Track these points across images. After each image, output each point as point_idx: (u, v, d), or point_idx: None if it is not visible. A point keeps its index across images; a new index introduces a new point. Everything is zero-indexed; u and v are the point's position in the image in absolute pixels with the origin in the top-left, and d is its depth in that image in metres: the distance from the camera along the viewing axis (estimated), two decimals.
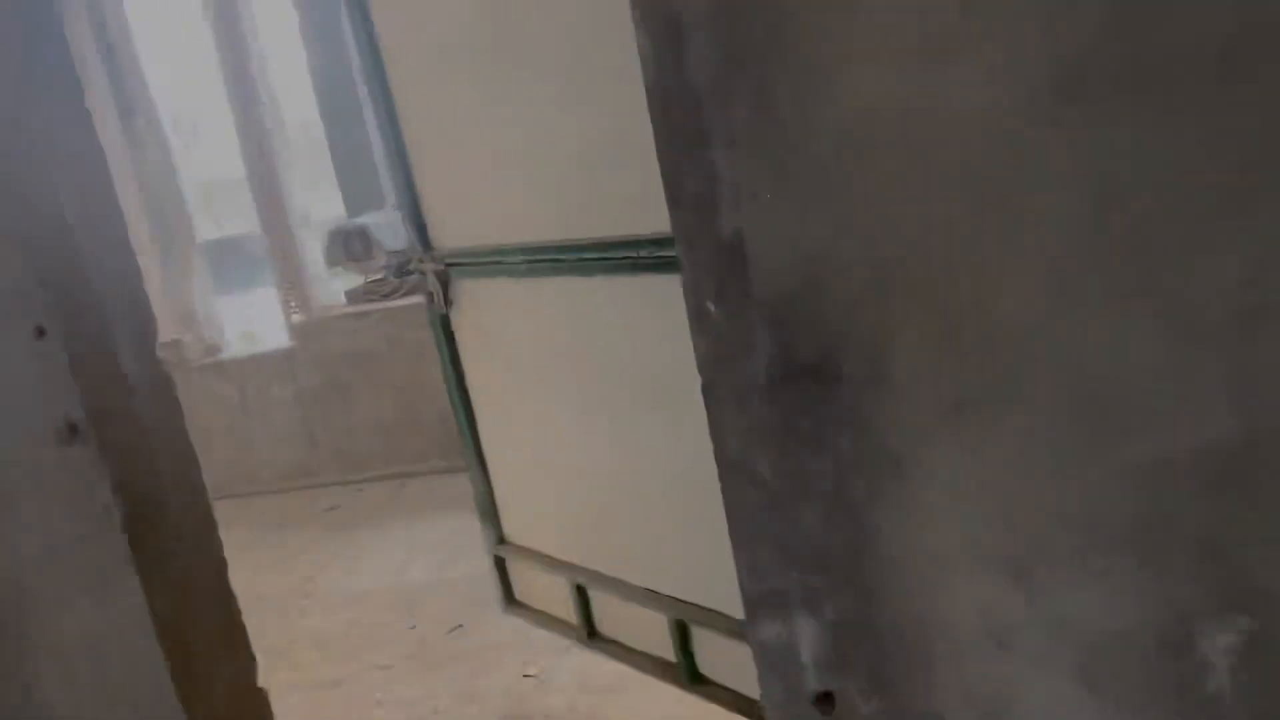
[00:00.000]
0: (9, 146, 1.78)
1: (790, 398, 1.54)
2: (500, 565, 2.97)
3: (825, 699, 1.63)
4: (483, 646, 3.28)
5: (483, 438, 2.86)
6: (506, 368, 2.65)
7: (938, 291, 1.39)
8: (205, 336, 6.32)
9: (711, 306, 1.56)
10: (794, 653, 1.61)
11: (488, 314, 2.64)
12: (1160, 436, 1.31)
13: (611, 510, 2.44)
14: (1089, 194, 1.24)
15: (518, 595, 2.97)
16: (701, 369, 1.61)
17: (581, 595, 2.61)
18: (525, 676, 3.00)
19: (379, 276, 5.96)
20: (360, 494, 5.54)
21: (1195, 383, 1.25)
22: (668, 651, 2.32)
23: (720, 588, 1.75)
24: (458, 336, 2.79)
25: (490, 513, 2.92)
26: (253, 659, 2.18)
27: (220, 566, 2.15)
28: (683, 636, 2.28)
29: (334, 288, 6.20)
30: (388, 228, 5.72)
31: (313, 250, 6.06)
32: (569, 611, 2.69)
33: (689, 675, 2.30)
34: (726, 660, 2.18)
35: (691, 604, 2.24)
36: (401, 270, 5.41)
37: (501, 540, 2.93)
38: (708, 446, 1.79)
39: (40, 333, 1.79)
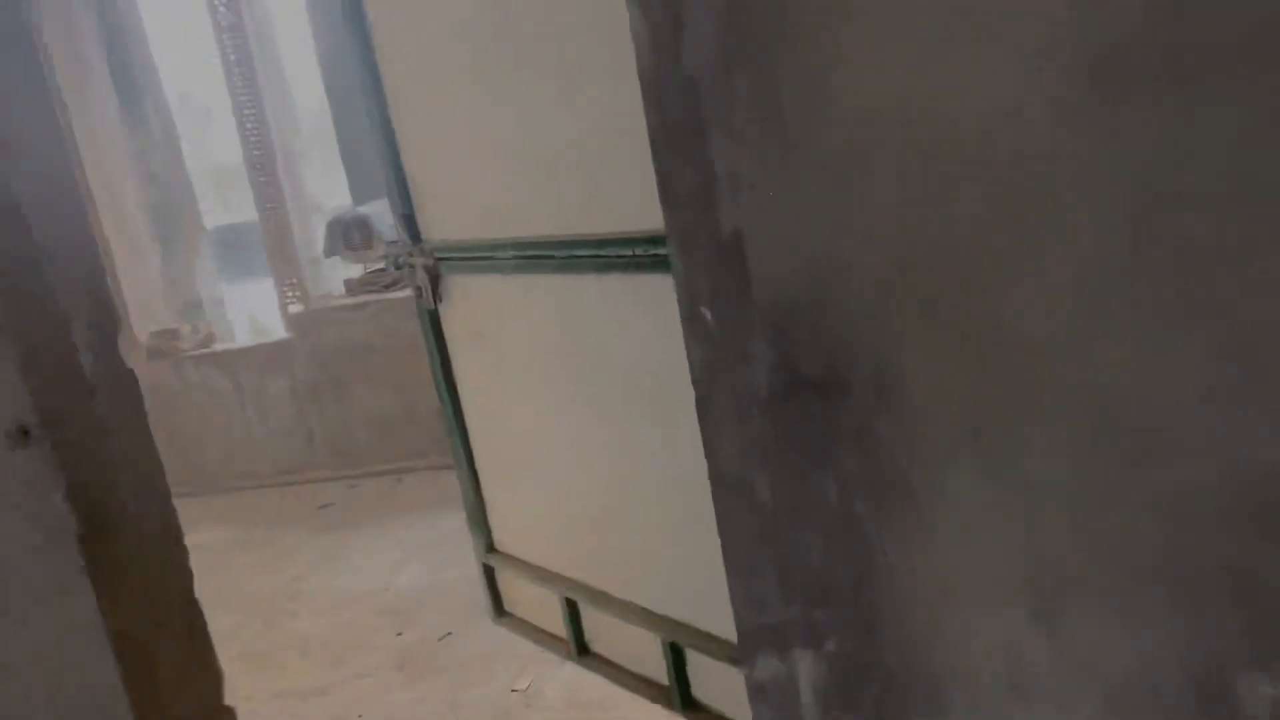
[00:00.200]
0: None
1: (792, 412, 1.43)
2: (489, 574, 2.86)
3: None
4: (471, 656, 3.17)
5: (472, 439, 2.75)
6: (497, 367, 2.54)
7: (956, 302, 1.27)
8: (209, 324, 6.23)
9: (707, 312, 1.44)
10: (793, 692, 1.50)
11: (478, 311, 2.53)
12: (1200, 467, 1.19)
13: (604, 520, 2.33)
14: (1126, 198, 1.12)
15: (507, 606, 2.87)
16: (696, 379, 1.49)
17: (572, 609, 2.50)
18: (513, 691, 2.89)
19: (378, 267, 5.85)
20: (355, 490, 5.44)
21: (1242, 409, 1.12)
22: (661, 673, 2.21)
23: (718, 609, 1.63)
24: (447, 333, 2.68)
25: (480, 519, 2.81)
26: (219, 674, 2.07)
27: (185, 577, 2.04)
28: (677, 659, 2.17)
29: (334, 277, 6.11)
30: (389, 217, 5.62)
31: (315, 239, 5.97)
32: (559, 625, 2.58)
33: (682, 700, 2.18)
34: (723, 686, 2.07)
35: (687, 625, 2.12)
36: (401, 261, 5.30)
37: (491, 548, 2.82)
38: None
39: None
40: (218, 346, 6.04)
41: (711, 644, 2.05)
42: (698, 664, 2.15)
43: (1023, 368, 1.27)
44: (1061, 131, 1.14)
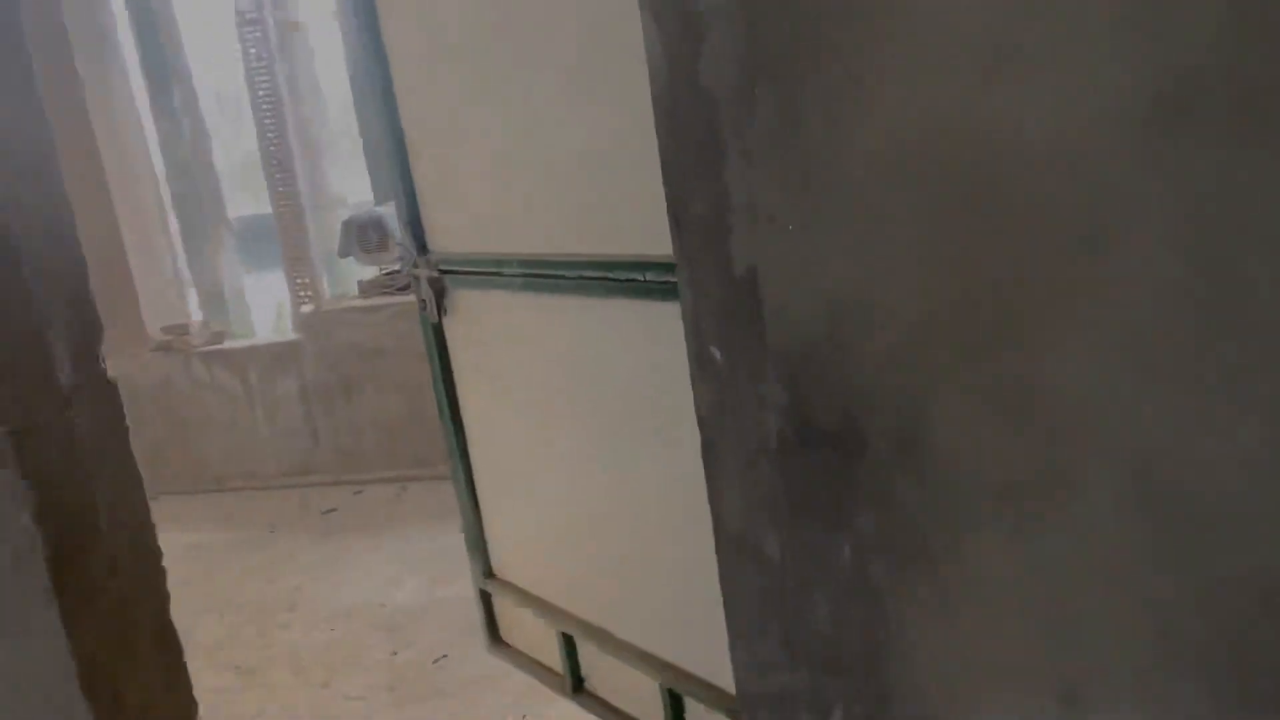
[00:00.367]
0: None
1: (804, 465, 1.32)
2: (486, 600, 2.76)
3: None
4: (465, 683, 3.08)
5: (473, 460, 2.65)
6: (500, 387, 2.44)
7: (989, 353, 1.16)
8: (219, 323, 6.18)
9: (716, 351, 1.33)
10: None
11: (483, 327, 2.43)
12: (1255, 548, 1.07)
13: (604, 554, 2.22)
14: (1186, 246, 1.01)
15: (503, 634, 2.76)
16: (702, 423, 1.38)
17: (569, 644, 2.40)
18: None
19: (393, 269, 5.77)
20: (359, 496, 5.36)
21: None
22: (658, 718, 2.10)
23: (720, 658, 1.53)
24: (451, 348, 2.58)
25: (478, 543, 2.71)
26: (193, 704, 1.98)
27: (161, 601, 1.95)
28: (675, 705, 2.06)
29: (353, 277, 6.03)
30: None
31: (334, 237, 5.90)
32: (555, 659, 2.47)
33: None
34: None
35: (687, 672, 2.01)
36: (406, 269, 5.22)
37: (489, 574, 2.71)
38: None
39: None
40: (227, 344, 5.98)
41: (711, 693, 1.94)
42: (696, 713, 2.04)
43: (1061, 429, 1.16)
44: (1116, 171, 1.02)
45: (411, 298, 4.82)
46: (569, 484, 2.27)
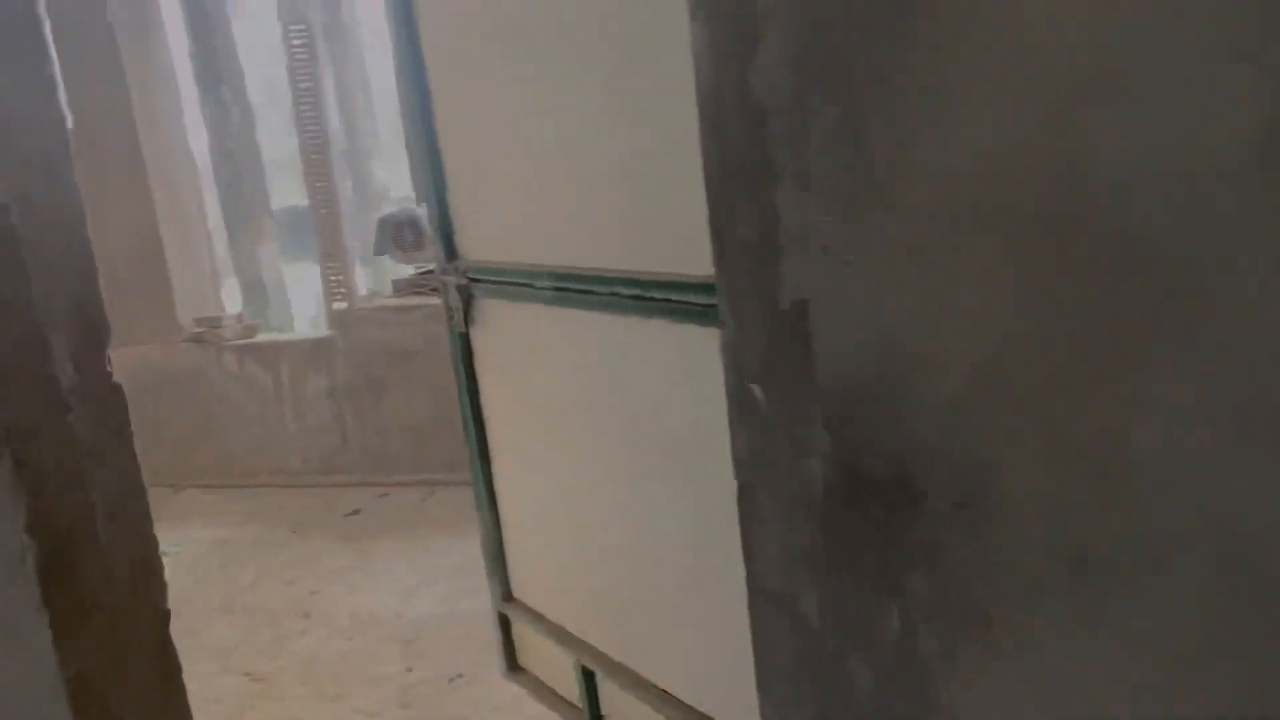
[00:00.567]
0: None
1: (850, 519, 1.20)
2: (505, 624, 2.65)
3: None
4: (480, 706, 2.97)
5: (496, 477, 2.55)
6: (526, 403, 2.33)
7: (1068, 405, 1.04)
8: (249, 317, 6.15)
9: (758, 389, 1.21)
10: None
11: (510, 340, 2.32)
12: None
13: (628, 587, 2.11)
14: None
15: (521, 660, 2.66)
16: (738, 466, 1.26)
17: (588, 678, 2.28)
18: None
19: (428, 269, 5.69)
20: (385, 500, 5.29)
21: None
22: None
23: (750, 709, 1.39)
24: (477, 360, 2.48)
25: (498, 564, 2.61)
26: None
27: (160, 618, 1.86)
28: None
29: (391, 275, 5.98)
30: None
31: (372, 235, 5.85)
32: (574, 692, 2.36)
33: None
34: None
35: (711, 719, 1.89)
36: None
37: (508, 597, 2.61)
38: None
39: None
40: (259, 338, 5.94)
41: None
42: None
43: (1145, 495, 1.03)
44: (1224, 209, 0.90)
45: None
46: (593, 511, 2.16)
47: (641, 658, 2.10)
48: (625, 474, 2.00)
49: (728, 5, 1.15)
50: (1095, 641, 1.10)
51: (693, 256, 1.65)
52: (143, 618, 1.84)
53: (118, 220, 5.77)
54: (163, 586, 1.92)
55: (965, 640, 1.17)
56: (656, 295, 1.76)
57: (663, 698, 2.02)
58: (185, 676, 3.36)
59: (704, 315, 1.63)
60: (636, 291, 1.81)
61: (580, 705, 2.34)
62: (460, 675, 3.20)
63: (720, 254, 1.21)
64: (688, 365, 1.73)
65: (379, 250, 5.89)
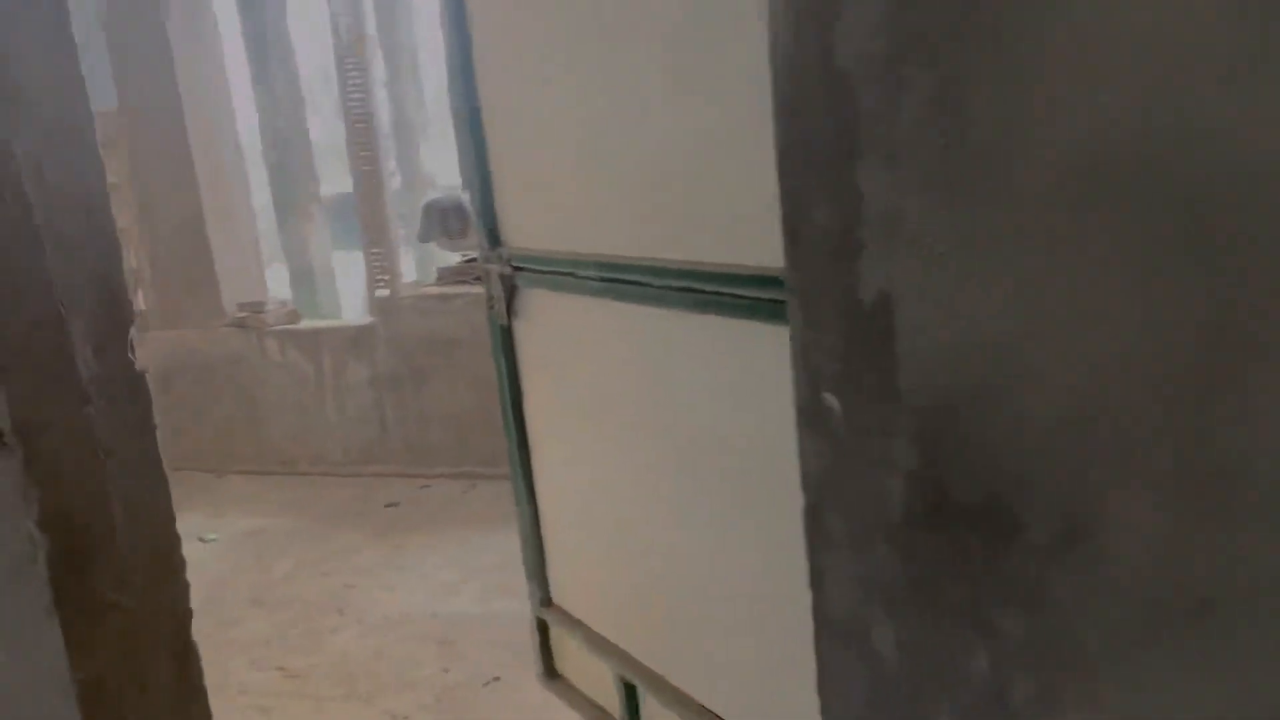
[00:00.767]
0: None
1: (935, 546, 1.06)
2: (543, 629, 2.54)
3: None
4: (516, 713, 2.86)
5: (536, 476, 2.43)
6: (570, 400, 2.21)
7: (1198, 427, 0.89)
8: (291, 305, 6.10)
9: (832, 398, 1.08)
10: None
11: (555, 333, 2.20)
12: None
13: (674, 599, 1.98)
14: None
15: (559, 667, 2.54)
16: (807, 482, 1.13)
17: (629, 692, 2.16)
18: None
19: (474, 257, 5.60)
20: (425, 492, 5.21)
21: None
22: None
23: None
24: (520, 354, 2.36)
25: (537, 568, 2.49)
26: None
27: (181, 618, 1.77)
28: None
29: (439, 262, 5.89)
30: None
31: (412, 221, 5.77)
32: (613, 703, 2.24)
33: None
34: None
35: None
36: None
37: (547, 601, 2.49)
38: (800, 547, 1.32)
39: None
40: (302, 324, 5.88)
41: None
42: None
43: None
44: None
45: None
46: (639, 517, 2.04)
47: (688, 675, 1.97)
48: (673, 480, 1.87)
49: None
50: (1218, 696, 0.96)
51: (751, 246, 1.52)
52: (162, 619, 1.75)
53: (163, 203, 5.75)
54: (184, 586, 1.83)
55: (1065, 688, 1.03)
56: (711, 288, 1.63)
57: (708, 718, 1.89)
58: (217, 670, 3.29)
59: (761, 310, 1.50)
60: (690, 283, 1.68)
61: (620, 719, 2.22)
62: (496, 679, 3.10)
63: (792, 243, 1.07)
64: (744, 365, 1.60)
65: (424, 237, 5.81)
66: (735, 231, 1.54)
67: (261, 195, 9.05)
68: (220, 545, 4.60)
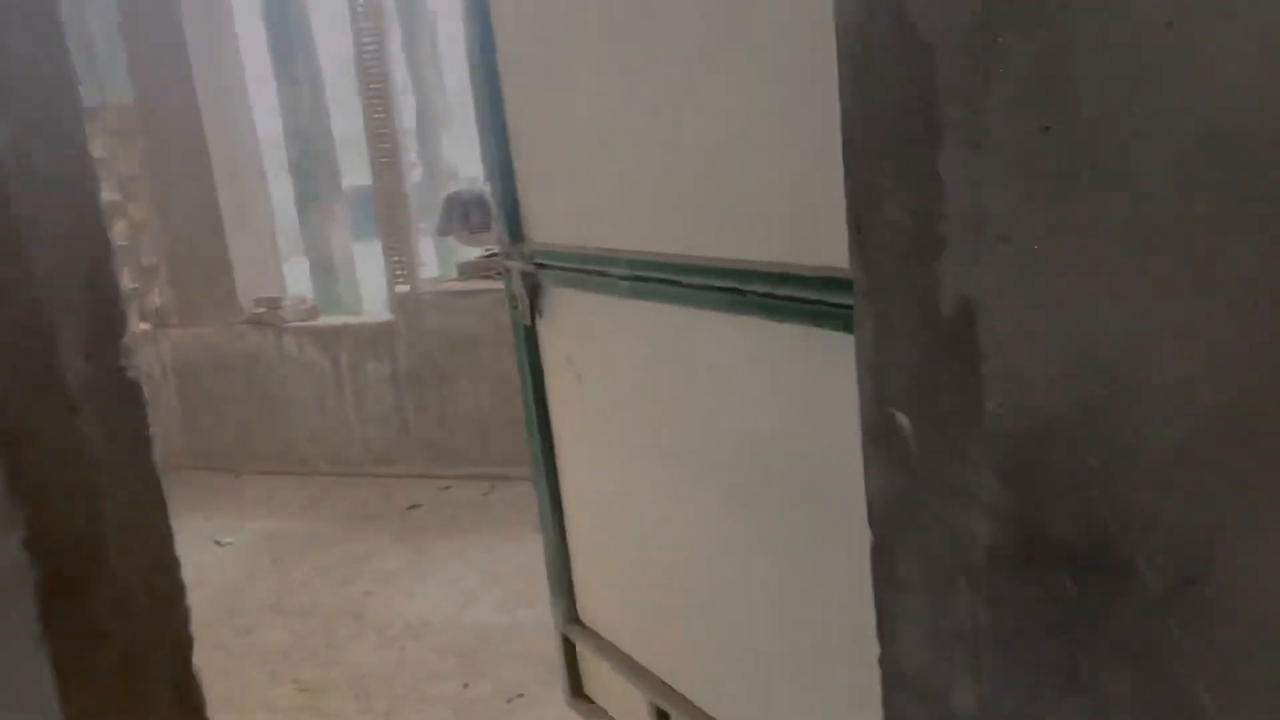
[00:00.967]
0: None
1: (1027, 594, 0.92)
2: (569, 647, 2.41)
3: None
4: None
5: (563, 485, 2.31)
6: (599, 407, 2.08)
7: None
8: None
9: (904, 419, 0.94)
10: None
11: (582, 335, 2.07)
12: None
13: (713, 626, 1.85)
14: None
15: (586, 688, 2.42)
16: (874, 516, 0.99)
17: (662, 719, 2.03)
18: None
19: (495, 251, 5.47)
20: (446, 493, 5.10)
21: None
22: None
23: None
24: (544, 357, 2.23)
25: (562, 581, 2.37)
26: None
27: (182, 648, 1.64)
28: None
29: (462, 257, 5.78)
30: None
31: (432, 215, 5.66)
32: None
33: None
34: None
35: None
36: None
37: (573, 618, 2.37)
38: (857, 583, 1.19)
39: None
40: (320, 320, 5.78)
41: None
42: None
43: None
44: None
45: None
46: (673, 534, 1.91)
47: (725, 706, 1.84)
48: (714, 497, 1.74)
49: None
50: None
51: (807, 243, 1.38)
52: (160, 649, 1.62)
53: (180, 197, 5.66)
54: (185, 612, 1.70)
55: None
56: (755, 288, 1.49)
57: None
58: (235, 681, 3.17)
59: (818, 316, 1.36)
60: (730, 283, 1.54)
61: None
62: (520, 695, 2.98)
63: (859, 242, 0.94)
64: (794, 375, 1.46)
65: (444, 231, 5.70)
66: (788, 226, 1.41)
67: (283, 188, 8.98)
68: (237, 549, 4.51)
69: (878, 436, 0.96)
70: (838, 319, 1.31)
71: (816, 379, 1.40)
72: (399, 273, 5.42)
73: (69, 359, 1.50)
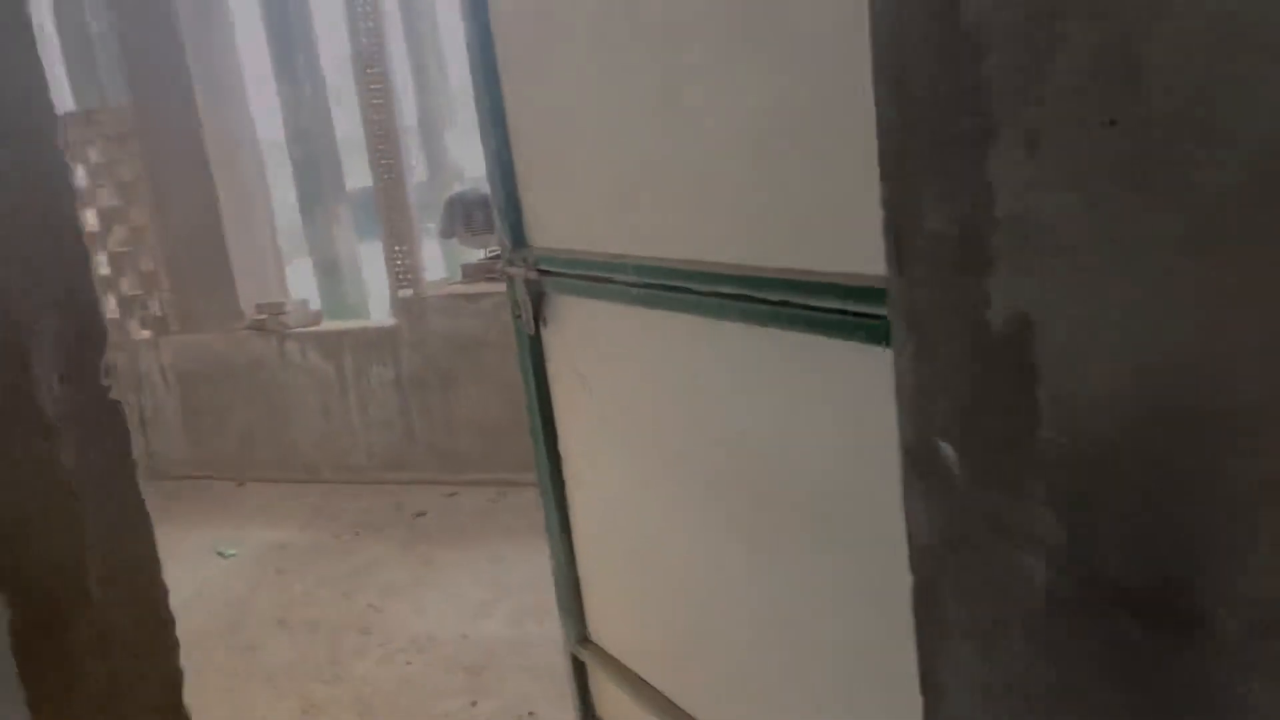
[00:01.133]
0: None
1: (1087, 642, 0.84)
2: (579, 668, 2.33)
3: None
4: None
5: (571, 500, 2.23)
6: (607, 421, 2.00)
7: None
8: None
9: (948, 447, 0.85)
10: None
11: (589, 345, 1.99)
12: None
13: (729, 649, 1.76)
14: None
15: (599, 710, 2.33)
16: (916, 554, 0.91)
17: None
18: None
19: (498, 254, 5.40)
20: (453, 500, 5.03)
21: None
22: None
23: None
24: (549, 368, 2.15)
25: (571, 599, 2.29)
26: None
27: (171, 685, 1.58)
28: None
29: (467, 259, 5.71)
30: None
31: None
32: None
33: None
34: None
35: None
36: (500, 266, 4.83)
37: (584, 639, 2.28)
38: (883, 608, 1.10)
39: None
40: (323, 326, 5.71)
41: None
42: None
43: None
44: None
45: None
46: (686, 554, 1.82)
47: None
48: (731, 518, 1.65)
49: None
50: None
51: (831, 249, 1.29)
52: (146, 687, 1.55)
53: (179, 201, 5.59)
54: (174, 645, 1.63)
55: None
56: (774, 297, 1.40)
57: None
58: (239, 698, 3.09)
59: (845, 327, 1.27)
60: (746, 290, 1.46)
61: None
62: (530, 714, 2.89)
63: (898, 252, 0.85)
64: (819, 391, 1.37)
65: (446, 233, 5.62)
66: (814, 231, 1.32)
67: (286, 191, 8.91)
68: (240, 560, 4.44)
69: (919, 467, 0.87)
70: (861, 329, 1.23)
71: (847, 395, 1.31)
72: (403, 277, 5.35)
73: (43, 380, 1.43)
